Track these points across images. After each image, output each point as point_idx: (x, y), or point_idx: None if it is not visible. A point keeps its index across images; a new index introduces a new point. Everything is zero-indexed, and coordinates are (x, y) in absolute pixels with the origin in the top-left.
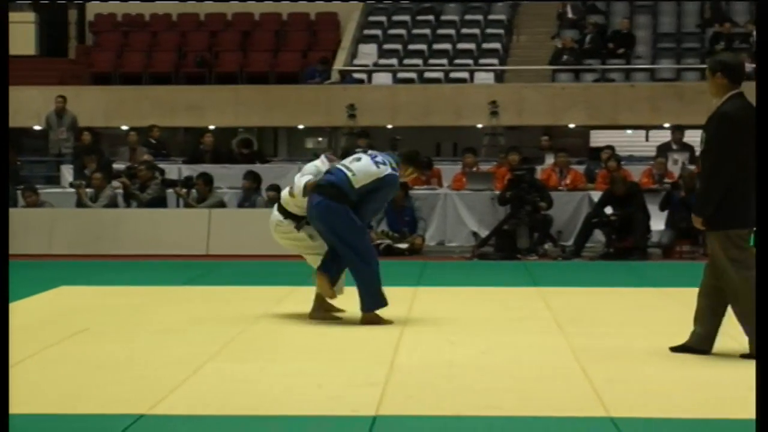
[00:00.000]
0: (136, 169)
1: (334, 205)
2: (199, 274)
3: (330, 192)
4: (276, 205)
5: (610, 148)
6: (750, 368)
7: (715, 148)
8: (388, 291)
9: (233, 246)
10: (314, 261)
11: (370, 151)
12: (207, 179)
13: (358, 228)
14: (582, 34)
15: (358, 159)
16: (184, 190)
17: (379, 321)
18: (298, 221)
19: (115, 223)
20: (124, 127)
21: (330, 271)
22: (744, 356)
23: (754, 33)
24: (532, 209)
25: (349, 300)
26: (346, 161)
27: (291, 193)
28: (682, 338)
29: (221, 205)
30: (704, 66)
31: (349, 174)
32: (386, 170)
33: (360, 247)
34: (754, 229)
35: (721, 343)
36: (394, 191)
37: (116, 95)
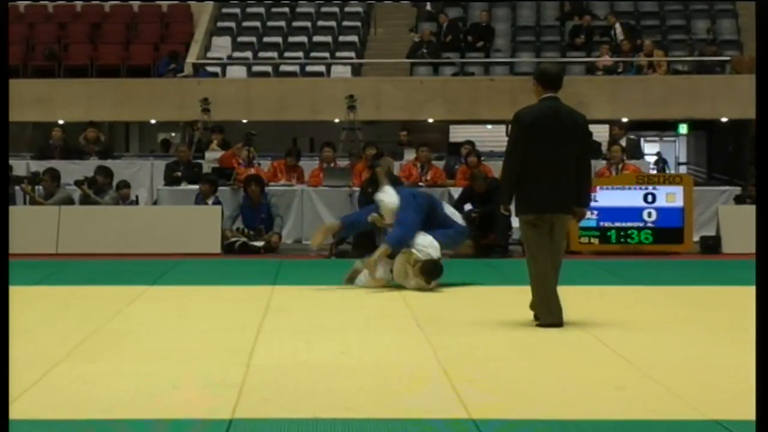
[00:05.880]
0: None
1: None
2: (48, 274)
3: None
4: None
5: (470, 143)
6: (617, 368)
7: (508, 144)
8: (244, 290)
9: (84, 244)
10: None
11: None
12: (54, 175)
13: None
14: (440, 27)
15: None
16: (30, 187)
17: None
18: None
19: None
20: None
21: None
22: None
23: (616, 26)
24: None
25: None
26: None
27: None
28: (543, 336)
29: (69, 201)
30: (564, 60)
31: None
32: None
33: None
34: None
35: (586, 339)
36: None
37: None
